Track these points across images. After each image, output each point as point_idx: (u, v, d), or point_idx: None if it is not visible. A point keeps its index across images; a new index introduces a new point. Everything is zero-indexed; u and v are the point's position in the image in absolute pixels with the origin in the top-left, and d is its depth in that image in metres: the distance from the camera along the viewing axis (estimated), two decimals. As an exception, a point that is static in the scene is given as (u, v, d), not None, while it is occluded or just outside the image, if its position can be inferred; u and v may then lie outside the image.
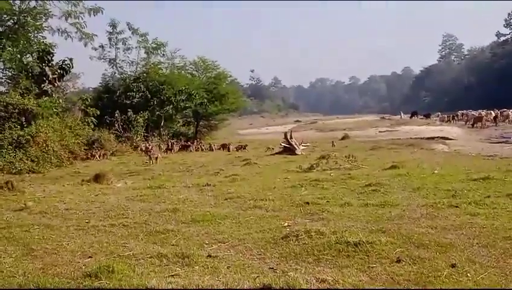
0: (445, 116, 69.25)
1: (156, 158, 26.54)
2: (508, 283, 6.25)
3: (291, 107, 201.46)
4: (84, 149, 30.20)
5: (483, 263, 6.88)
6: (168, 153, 33.71)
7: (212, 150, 36.84)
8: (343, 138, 43.08)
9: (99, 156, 30.50)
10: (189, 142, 40.17)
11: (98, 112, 34.77)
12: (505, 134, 41.92)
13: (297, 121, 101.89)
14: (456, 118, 65.26)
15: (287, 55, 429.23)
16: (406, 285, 6.24)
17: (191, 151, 36.62)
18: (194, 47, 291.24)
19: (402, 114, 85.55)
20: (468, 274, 6.46)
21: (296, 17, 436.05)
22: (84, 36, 29.66)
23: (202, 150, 37.43)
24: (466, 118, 60.98)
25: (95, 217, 11.06)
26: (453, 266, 6.73)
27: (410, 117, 75.97)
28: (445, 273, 6.49)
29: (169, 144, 38.61)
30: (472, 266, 6.73)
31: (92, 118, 33.62)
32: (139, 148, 34.63)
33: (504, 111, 59.66)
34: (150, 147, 31.25)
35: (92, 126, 33.81)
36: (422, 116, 76.44)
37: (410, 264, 6.90)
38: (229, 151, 35.36)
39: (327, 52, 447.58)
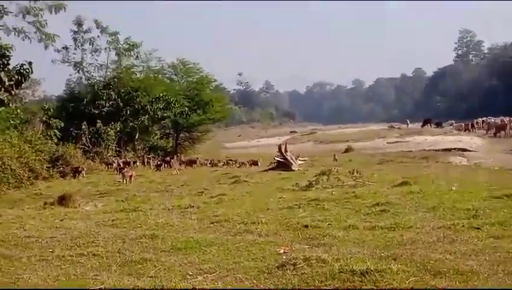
0: (462, 124, 69.33)
1: (130, 177, 26.40)
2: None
3: (286, 115, 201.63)
4: (46, 167, 30.04)
5: (509, 293, 6.89)
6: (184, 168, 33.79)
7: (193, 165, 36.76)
8: (346, 151, 43.27)
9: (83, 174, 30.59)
10: (196, 158, 39.87)
11: (62, 124, 34.77)
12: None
13: (293, 131, 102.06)
14: (475, 126, 65.35)
15: (281, 56, 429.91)
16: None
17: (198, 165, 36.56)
18: (172, 48, 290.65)
19: (409, 122, 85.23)
20: (493, 306, 6.48)
21: (290, 14, 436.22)
22: (44, 36, 29.62)
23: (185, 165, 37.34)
24: (487, 126, 61.06)
25: (61, 245, 11.01)
26: (475, 297, 6.75)
27: (422, 126, 75.49)
28: (466, 305, 6.50)
29: (145, 159, 38.58)
30: (497, 297, 6.74)
31: (56, 130, 33.58)
32: (114, 164, 34.55)
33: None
34: (123, 164, 31.28)
35: (56, 140, 33.71)
36: (434, 125, 75.95)
37: (425, 295, 6.91)
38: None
39: (326, 52, 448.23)
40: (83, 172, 31.02)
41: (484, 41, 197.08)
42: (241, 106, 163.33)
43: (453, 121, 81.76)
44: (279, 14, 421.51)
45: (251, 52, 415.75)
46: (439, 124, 76.43)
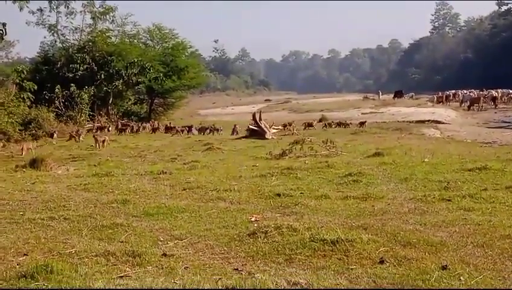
0: (435, 96, 69.50)
1: (103, 141, 26.12)
2: (506, 288, 6.30)
3: (261, 84, 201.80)
4: (18, 130, 29.76)
5: (478, 264, 6.93)
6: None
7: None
8: (320, 120, 43.10)
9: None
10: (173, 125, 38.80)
11: (36, 87, 34.33)
12: (505, 118, 42.42)
13: (268, 100, 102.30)
14: (449, 98, 65.48)
15: (257, 23, 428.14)
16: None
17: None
18: (147, 13, 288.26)
19: (381, 93, 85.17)
20: (461, 277, 6.49)
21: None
22: (19, -3, 29.17)
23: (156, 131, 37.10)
24: (461, 99, 61.23)
25: (31, 208, 10.95)
26: (444, 267, 6.77)
27: (394, 97, 75.17)
28: (434, 276, 6.51)
29: (119, 124, 38.31)
30: (465, 268, 6.77)
31: (29, 93, 33.15)
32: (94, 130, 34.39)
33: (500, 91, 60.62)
34: (96, 129, 31.10)
35: (29, 103, 33.35)
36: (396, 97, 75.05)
37: (395, 265, 6.93)
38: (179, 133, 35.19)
39: (303, 20, 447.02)
40: (55, 135, 30.81)
41: (461, 14, 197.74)
42: (216, 73, 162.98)
43: (413, 93, 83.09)
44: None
45: (228, 19, 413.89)
46: (400, 96, 75.89)
